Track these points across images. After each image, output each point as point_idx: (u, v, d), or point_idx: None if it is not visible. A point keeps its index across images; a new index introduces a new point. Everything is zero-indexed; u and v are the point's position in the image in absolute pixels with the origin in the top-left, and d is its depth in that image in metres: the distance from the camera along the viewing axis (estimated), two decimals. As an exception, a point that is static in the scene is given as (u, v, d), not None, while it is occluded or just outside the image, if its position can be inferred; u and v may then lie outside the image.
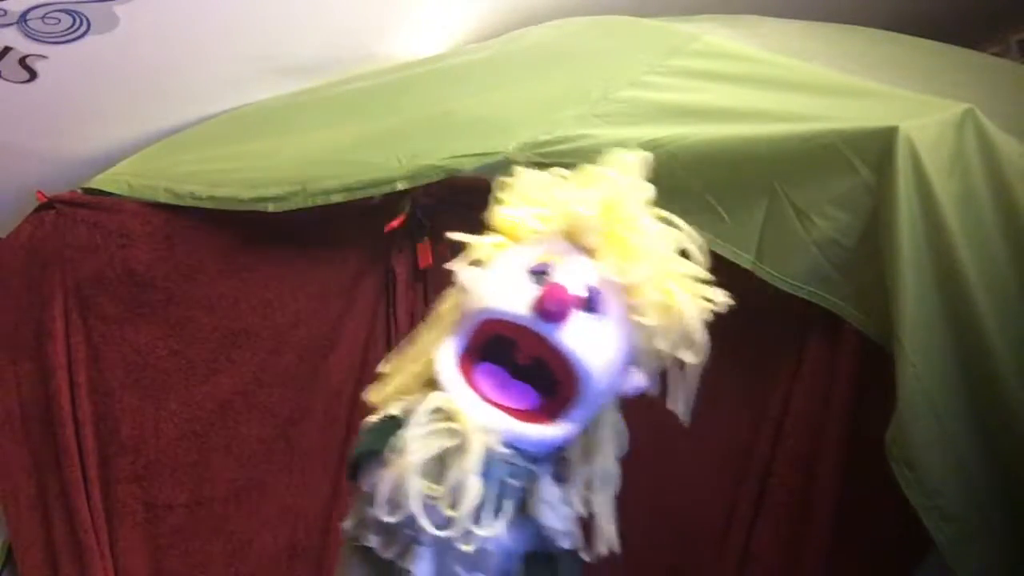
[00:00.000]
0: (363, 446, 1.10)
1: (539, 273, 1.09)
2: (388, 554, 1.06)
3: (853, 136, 1.39)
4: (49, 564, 1.97)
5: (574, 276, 1.11)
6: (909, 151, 1.34)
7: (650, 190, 1.24)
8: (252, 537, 2.00)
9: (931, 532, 1.28)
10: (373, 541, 1.07)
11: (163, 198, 2.02)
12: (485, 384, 1.08)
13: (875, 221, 1.37)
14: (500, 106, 1.79)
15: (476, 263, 1.17)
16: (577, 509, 1.15)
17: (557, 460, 1.14)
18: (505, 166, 1.64)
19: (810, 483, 1.47)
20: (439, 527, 1.01)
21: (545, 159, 1.60)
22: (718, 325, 1.67)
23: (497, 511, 1.02)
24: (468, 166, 1.68)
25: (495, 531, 1.02)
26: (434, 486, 1.01)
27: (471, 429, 1.02)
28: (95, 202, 2.06)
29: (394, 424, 1.08)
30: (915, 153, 1.34)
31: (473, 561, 1.05)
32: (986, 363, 1.29)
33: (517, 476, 1.05)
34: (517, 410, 1.08)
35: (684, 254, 1.23)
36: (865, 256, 1.39)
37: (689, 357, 1.20)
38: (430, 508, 1.01)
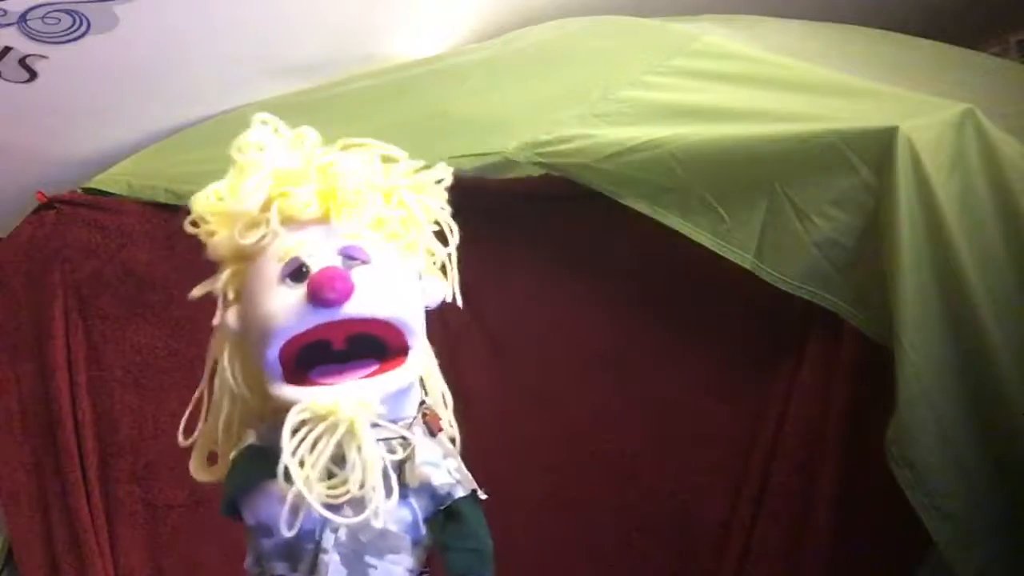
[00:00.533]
0: (236, 485, 1.08)
1: (295, 273, 1.04)
2: (297, 575, 1.05)
3: (853, 136, 1.39)
4: (49, 564, 1.97)
5: (322, 251, 1.05)
6: (909, 151, 1.34)
7: (315, 134, 1.17)
8: (252, 537, 1.99)
9: (931, 532, 1.28)
10: (280, 568, 1.06)
11: (163, 198, 2.02)
12: (328, 381, 1.03)
13: (875, 221, 1.37)
14: (500, 106, 1.79)
15: (228, 305, 1.11)
16: (450, 449, 1.12)
17: (420, 415, 1.11)
18: (505, 166, 1.65)
19: (810, 483, 1.47)
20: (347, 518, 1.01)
21: (545, 159, 1.60)
22: (719, 325, 1.68)
23: (389, 485, 1.01)
24: (468, 166, 1.68)
25: (392, 502, 1.00)
26: (335, 484, 0.99)
27: (348, 411, 0.99)
28: (95, 202, 2.07)
29: (257, 452, 1.06)
30: (915, 153, 1.34)
31: (382, 547, 1.04)
32: (986, 363, 1.29)
33: (393, 449, 1.04)
34: (370, 375, 1.05)
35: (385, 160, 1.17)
36: (865, 256, 1.39)
37: (449, 244, 1.14)
38: (334, 507, 1.00)
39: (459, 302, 1.14)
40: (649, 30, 1.84)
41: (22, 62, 2.03)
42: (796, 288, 1.44)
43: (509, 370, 1.79)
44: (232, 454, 1.11)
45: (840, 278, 1.41)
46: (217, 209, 1.12)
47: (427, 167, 1.15)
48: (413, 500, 1.05)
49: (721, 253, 1.48)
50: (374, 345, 1.05)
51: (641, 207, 1.53)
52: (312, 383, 1.03)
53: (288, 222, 1.07)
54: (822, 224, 1.42)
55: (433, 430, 1.11)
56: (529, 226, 1.76)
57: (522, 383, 1.77)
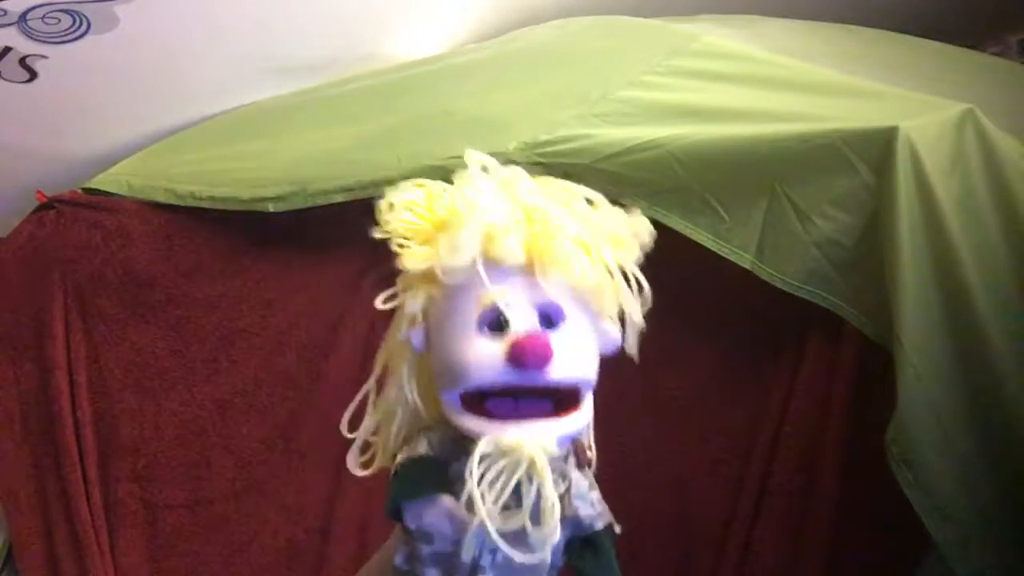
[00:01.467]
0: (407, 493, 1.08)
1: (493, 323, 1.03)
2: None
3: (853, 136, 1.39)
4: (49, 564, 1.97)
5: (524, 304, 1.04)
6: (909, 151, 1.34)
7: (526, 179, 1.13)
8: (252, 537, 1.99)
9: (931, 532, 1.28)
10: (431, 573, 1.07)
11: (163, 198, 2.02)
12: (503, 413, 1.04)
13: (875, 221, 1.37)
14: (500, 106, 1.79)
15: (413, 323, 1.10)
16: (593, 482, 1.15)
17: (573, 451, 1.13)
18: (505, 166, 1.65)
19: (810, 483, 1.47)
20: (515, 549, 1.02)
21: (545, 159, 1.60)
22: (719, 325, 1.68)
23: (558, 519, 1.02)
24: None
25: (558, 536, 1.02)
26: (509, 517, 1.01)
27: (530, 452, 1.00)
28: (95, 202, 2.06)
29: (429, 463, 1.08)
30: (915, 153, 1.34)
31: (528, 570, 1.06)
32: (986, 363, 1.29)
33: (556, 485, 1.04)
34: (543, 414, 1.06)
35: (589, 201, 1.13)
36: (865, 256, 1.39)
37: (635, 309, 1.14)
38: (507, 536, 1.01)
39: (635, 358, 1.15)
40: (649, 30, 1.84)
41: (22, 62, 2.03)
42: (796, 288, 1.44)
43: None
44: (400, 458, 1.11)
45: (840, 278, 1.41)
46: (415, 230, 1.08)
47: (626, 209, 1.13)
48: (560, 529, 1.06)
49: (721, 253, 1.48)
50: (549, 392, 1.07)
51: (641, 207, 1.52)
52: (489, 414, 1.04)
53: (490, 265, 1.05)
54: (822, 224, 1.42)
55: (581, 462, 1.14)
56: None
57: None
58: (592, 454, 1.17)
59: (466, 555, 1.05)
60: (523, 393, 1.04)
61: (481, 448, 1.01)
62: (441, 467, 1.06)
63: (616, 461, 1.75)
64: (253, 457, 2.00)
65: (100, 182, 2.11)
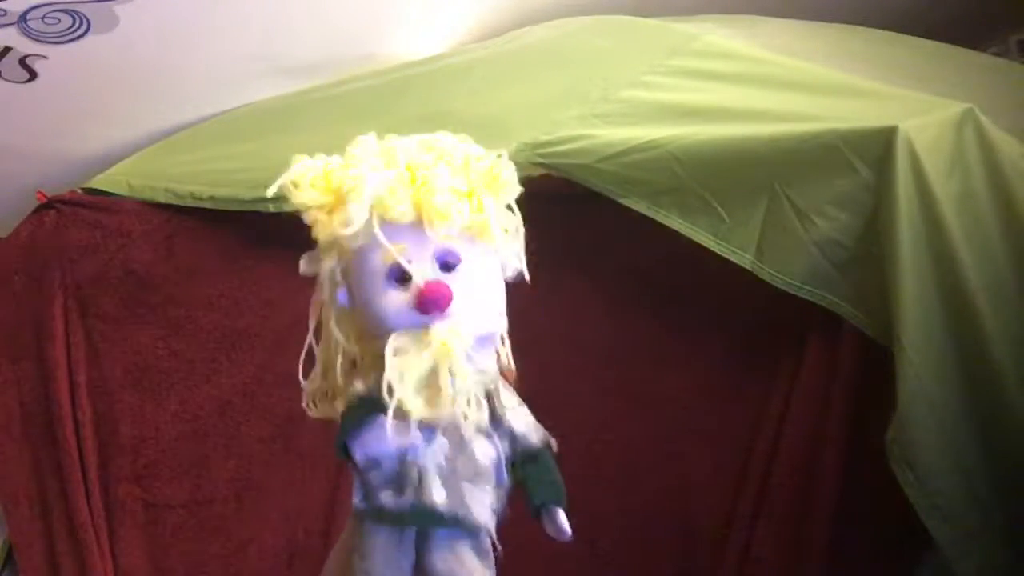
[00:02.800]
0: (350, 427, 1.19)
1: (399, 277, 1.16)
2: (404, 501, 1.14)
3: (853, 136, 1.39)
4: (49, 564, 1.98)
5: (423, 254, 1.17)
6: (909, 151, 1.34)
7: (406, 141, 1.27)
8: (252, 537, 1.99)
9: (931, 532, 1.28)
10: (386, 497, 1.15)
11: (163, 198, 2.02)
12: None
13: (875, 221, 1.37)
14: (500, 106, 1.79)
15: (336, 284, 1.23)
16: (521, 401, 1.24)
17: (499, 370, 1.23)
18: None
19: (810, 483, 1.47)
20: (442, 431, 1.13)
21: (545, 159, 1.60)
22: (719, 325, 1.68)
23: (479, 402, 1.14)
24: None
25: (484, 415, 1.14)
26: (430, 396, 1.12)
27: (442, 336, 1.12)
28: (95, 202, 2.07)
29: (364, 399, 1.17)
30: (915, 153, 1.34)
31: (474, 477, 1.16)
32: (986, 363, 1.29)
33: (483, 381, 1.17)
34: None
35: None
36: (865, 256, 1.39)
37: (515, 226, 1.25)
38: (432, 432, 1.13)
39: (527, 277, 1.26)
40: (649, 30, 1.84)
41: (22, 62, 2.03)
42: (796, 288, 1.44)
43: (509, 370, 1.79)
44: (342, 405, 1.22)
45: (840, 278, 1.41)
46: (318, 204, 1.21)
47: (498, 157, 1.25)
48: (497, 441, 1.18)
49: (721, 253, 1.48)
50: None
51: (641, 207, 1.54)
52: None
53: (387, 225, 1.17)
54: (822, 224, 1.42)
55: (508, 380, 1.23)
56: (529, 226, 1.76)
57: (522, 383, 1.77)
58: (514, 374, 1.26)
59: (391, 444, 1.13)
60: None
61: (393, 340, 1.13)
62: (372, 395, 1.15)
63: (616, 461, 1.76)
64: (253, 457, 2.01)
65: (100, 182, 2.11)
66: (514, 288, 1.77)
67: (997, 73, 1.97)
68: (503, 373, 1.24)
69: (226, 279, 2.03)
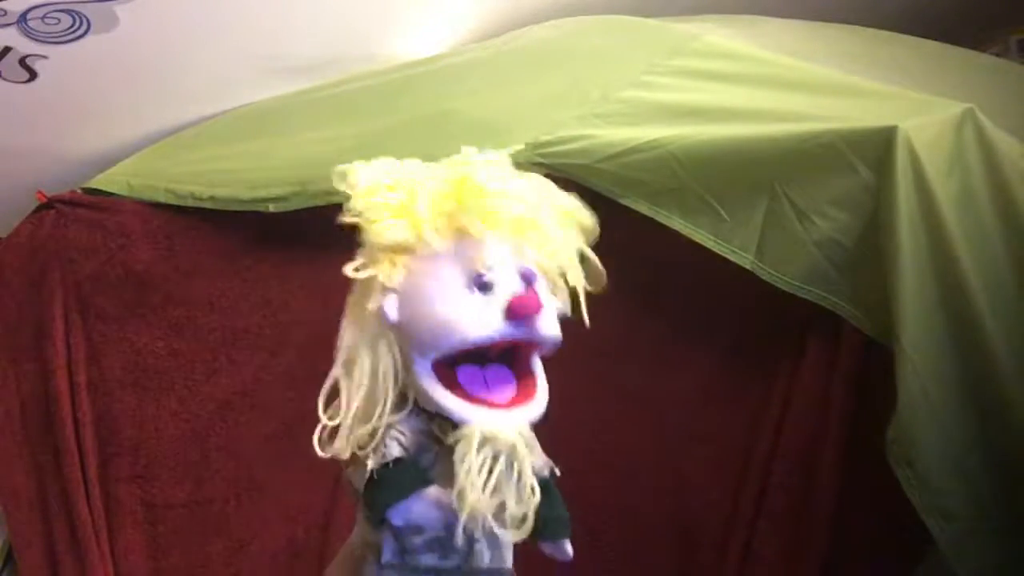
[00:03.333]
0: (392, 500, 1.14)
1: (482, 284, 1.13)
2: (449, 563, 1.14)
3: (853, 136, 1.39)
4: (49, 564, 1.97)
5: (506, 268, 1.15)
6: (908, 151, 1.34)
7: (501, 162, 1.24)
8: (252, 537, 2.00)
9: (931, 531, 1.28)
10: (429, 559, 1.14)
11: (163, 198, 2.02)
12: (473, 389, 1.14)
13: (875, 221, 1.37)
14: (500, 106, 1.79)
15: (387, 291, 1.17)
16: (532, 436, 1.22)
17: None
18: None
19: (810, 483, 1.47)
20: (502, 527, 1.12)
21: (546, 160, 1.60)
22: (719, 325, 1.68)
23: (533, 488, 1.12)
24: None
25: (536, 502, 1.11)
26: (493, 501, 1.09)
27: (511, 442, 1.10)
28: (95, 202, 2.07)
29: (403, 464, 1.14)
30: (914, 153, 1.34)
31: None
32: (986, 362, 1.29)
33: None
34: (515, 398, 1.16)
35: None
36: (865, 256, 1.39)
37: (581, 281, 1.24)
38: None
39: (587, 323, 1.24)
40: (649, 30, 1.84)
41: (22, 62, 2.03)
42: (796, 288, 1.44)
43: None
44: (373, 464, 1.15)
45: (840, 278, 1.41)
46: (389, 207, 1.17)
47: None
48: None
49: (721, 253, 1.48)
50: (510, 353, 1.17)
51: (641, 207, 1.54)
52: (460, 389, 1.13)
53: (468, 234, 1.15)
54: (822, 224, 1.42)
55: None
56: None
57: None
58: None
59: (460, 538, 1.11)
60: (490, 359, 1.14)
61: (467, 439, 1.09)
62: (416, 463, 1.14)
63: (616, 461, 1.75)
64: (253, 457, 2.01)
65: (100, 182, 2.11)
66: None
67: (997, 73, 1.97)
68: None
69: (226, 279, 2.03)
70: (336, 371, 1.21)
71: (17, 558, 2.02)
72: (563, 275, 1.22)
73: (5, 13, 1.87)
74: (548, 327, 1.15)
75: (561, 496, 1.21)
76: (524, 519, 1.09)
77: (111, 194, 2.07)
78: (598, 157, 1.56)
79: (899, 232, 1.32)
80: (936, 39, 2.00)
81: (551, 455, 1.77)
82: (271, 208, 1.88)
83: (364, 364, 1.18)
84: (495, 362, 1.16)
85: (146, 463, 2.00)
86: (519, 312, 1.11)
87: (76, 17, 1.92)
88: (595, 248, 1.76)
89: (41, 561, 1.98)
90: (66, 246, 2.01)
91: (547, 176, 1.60)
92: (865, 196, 1.39)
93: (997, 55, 2.32)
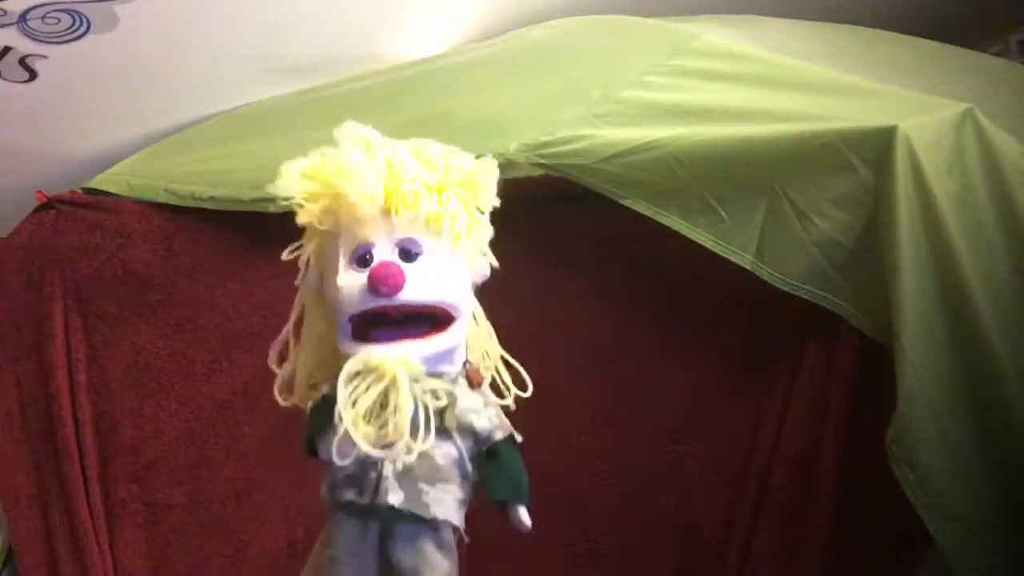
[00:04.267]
0: (312, 427, 1.28)
1: (361, 260, 1.23)
2: (364, 499, 1.21)
3: (852, 136, 1.39)
4: (49, 563, 1.97)
5: (386, 242, 1.24)
6: (908, 151, 1.34)
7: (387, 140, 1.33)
8: (252, 537, 2.00)
9: (931, 531, 1.28)
10: (348, 494, 1.22)
11: (163, 198, 2.02)
12: (383, 338, 1.23)
13: (875, 221, 1.38)
14: (500, 106, 1.79)
15: (309, 268, 1.32)
16: (490, 400, 1.28)
17: (464, 371, 1.28)
18: (505, 166, 1.65)
19: (810, 483, 1.47)
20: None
21: (545, 160, 1.60)
22: (719, 325, 1.68)
23: (427, 427, 1.19)
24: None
25: (429, 442, 1.18)
26: (379, 426, 1.18)
27: (391, 367, 1.18)
28: (95, 202, 2.06)
29: (329, 401, 1.23)
30: (914, 153, 1.34)
31: (433, 477, 1.21)
32: (986, 363, 1.29)
33: (439, 396, 1.21)
34: (418, 336, 1.24)
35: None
36: (865, 256, 1.39)
37: (485, 223, 1.31)
38: (379, 445, 1.18)
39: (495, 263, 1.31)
40: (649, 30, 1.84)
41: (22, 62, 2.03)
42: (796, 288, 1.44)
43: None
44: (309, 404, 1.30)
45: (840, 278, 1.42)
46: (304, 192, 1.29)
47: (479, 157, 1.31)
48: (459, 440, 1.23)
49: (721, 253, 1.48)
50: (425, 316, 1.24)
51: (641, 207, 1.54)
52: (371, 341, 1.22)
53: (356, 212, 1.25)
54: (822, 224, 1.42)
55: (473, 383, 1.27)
56: (529, 226, 1.76)
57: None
58: (485, 375, 1.31)
59: (341, 461, 1.19)
60: (400, 320, 1.22)
61: (348, 368, 1.20)
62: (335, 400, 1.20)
63: (616, 461, 1.76)
64: (253, 457, 2.01)
65: (100, 182, 2.11)
66: (514, 287, 1.79)
67: (997, 73, 1.97)
68: (470, 376, 1.27)
69: (226, 279, 2.03)
70: (287, 329, 1.37)
71: (17, 558, 2.02)
72: (456, 238, 1.26)
73: (5, 13, 1.87)
74: (418, 294, 1.21)
75: (517, 462, 1.25)
76: (407, 452, 1.16)
77: (111, 194, 2.07)
78: (598, 157, 1.56)
79: (899, 232, 1.32)
80: (936, 39, 2.00)
81: (551, 454, 1.79)
82: (272, 208, 1.87)
83: (307, 324, 1.35)
84: (413, 324, 1.24)
85: (146, 463, 2.00)
86: (371, 284, 1.19)
87: (76, 17, 1.92)
88: (596, 248, 1.78)
89: (41, 561, 1.98)
90: (66, 246, 2.01)
91: (547, 176, 1.62)
92: (865, 196, 1.39)
93: (997, 55, 2.32)
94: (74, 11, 1.90)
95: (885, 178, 1.35)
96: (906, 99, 1.47)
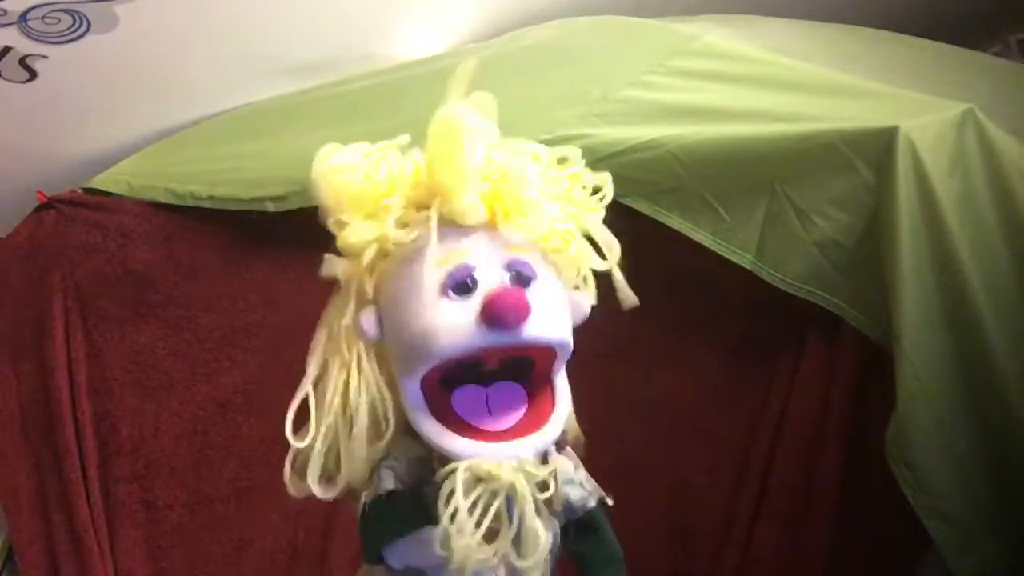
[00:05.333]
0: (385, 539, 1.02)
1: (460, 286, 0.95)
2: None
3: (853, 136, 1.39)
4: (49, 564, 1.97)
5: (492, 264, 0.97)
6: (909, 151, 1.34)
7: (489, 131, 1.05)
8: (252, 537, 1.99)
9: (931, 532, 1.28)
10: None
11: (163, 198, 2.02)
12: (472, 416, 0.96)
13: (875, 221, 1.38)
14: (500, 106, 1.78)
15: (363, 303, 1.02)
16: (577, 461, 1.08)
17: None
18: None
19: (810, 483, 1.47)
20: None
21: (545, 159, 1.60)
22: (718, 325, 1.68)
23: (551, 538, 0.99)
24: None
25: (548, 545, 0.97)
26: (496, 550, 0.94)
27: (509, 481, 0.93)
28: (95, 202, 2.06)
29: (400, 498, 0.99)
30: (915, 153, 1.34)
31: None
32: (986, 363, 1.29)
33: (547, 486, 0.99)
34: (522, 423, 0.99)
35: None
36: (865, 256, 1.39)
37: (603, 265, 1.09)
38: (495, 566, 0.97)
39: (629, 303, 1.06)
40: (649, 30, 1.83)
41: (22, 62, 2.03)
42: (796, 288, 1.44)
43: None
44: (366, 497, 1.03)
45: (840, 278, 1.42)
46: (351, 196, 0.98)
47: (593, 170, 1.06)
48: (551, 518, 1.02)
49: (721, 253, 1.48)
50: (522, 366, 0.99)
51: (641, 207, 1.54)
52: (453, 415, 0.96)
53: (448, 225, 0.96)
54: (822, 224, 1.42)
55: (561, 445, 1.06)
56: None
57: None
58: (570, 434, 1.07)
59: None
60: (494, 376, 0.95)
61: (457, 473, 0.91)
62: (414, 498, 0.97)
63: (616, 462, 1.75)
64: (253, 457, 2.00)
65: (100, 182, 2.11)
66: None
67: (997, 73, 1.97)
68: (571, 445, 1.07)
69: (226, 279, 2.03)
70: (305, 388, 1.06)
71: (17, 558, 2.02)
72: (571, 259, 1.03)
73: (5, 13, 1.87)
74: (542, 330, 0.95)
75: (612, 532, 1.06)
76: (534, 569, 0.95)
77: (111, 194, 2.07)
78: (597, 157, 1.55)
79: (900, 232, 1.32)
80: (936, 39, 2.00)
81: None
82: (271, 208, 1.88)
83: (337, 383, 1.03)
84: (502, 378, 0.98)
85: (146, 463, 2.00)
86: (493, 315, 0.91)
87: (76, 17, 1.92)
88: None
89: (41, 561, 1.98)
90: (66, 246, 2.01)
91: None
92: (866, 196, 1.39)
93: (997, 55, 2.32)
94: (74, 11, 1.90)
95: (886, 178, 1.35)
96: (907, 99, 1.47)
